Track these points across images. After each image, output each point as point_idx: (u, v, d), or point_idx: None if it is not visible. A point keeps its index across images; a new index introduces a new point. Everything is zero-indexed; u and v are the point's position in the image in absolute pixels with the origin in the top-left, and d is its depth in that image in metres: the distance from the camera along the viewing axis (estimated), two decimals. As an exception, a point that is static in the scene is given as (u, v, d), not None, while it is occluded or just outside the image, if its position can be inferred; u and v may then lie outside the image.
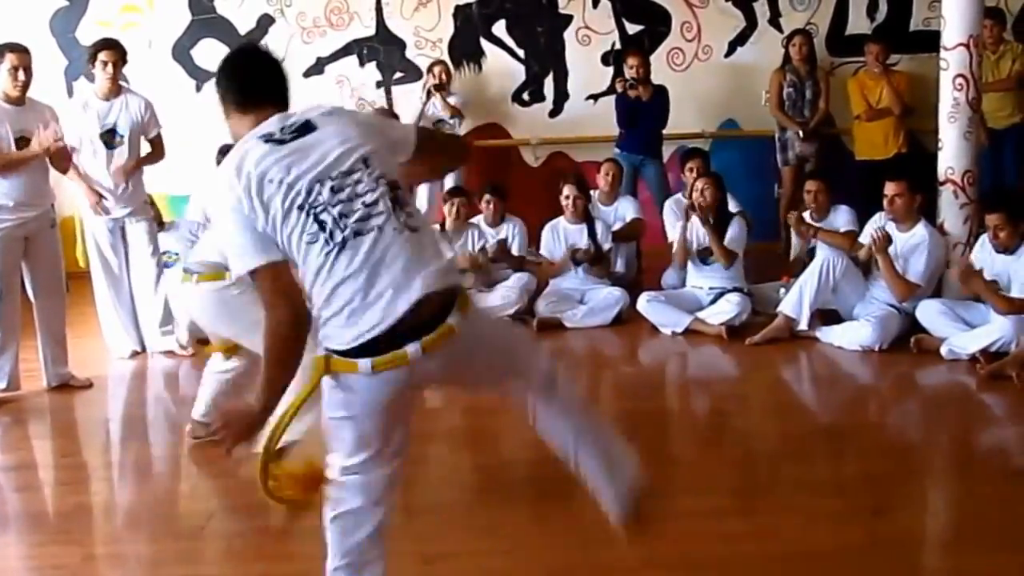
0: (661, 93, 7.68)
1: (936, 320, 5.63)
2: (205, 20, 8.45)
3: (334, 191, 2.39)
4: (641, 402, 5.20)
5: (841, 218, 6.35)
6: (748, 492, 4.01)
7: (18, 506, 4.23)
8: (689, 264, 6.51)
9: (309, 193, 2.38)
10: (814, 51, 7.98)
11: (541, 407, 2.72)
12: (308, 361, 2.46)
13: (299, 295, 2.41)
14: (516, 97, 8.58)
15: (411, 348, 2.37)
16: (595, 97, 8.50)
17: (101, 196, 5.88)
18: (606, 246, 6.73)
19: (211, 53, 8.43)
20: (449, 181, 7.27)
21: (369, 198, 2.40)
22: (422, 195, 7.67)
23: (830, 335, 5.83)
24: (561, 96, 8.57)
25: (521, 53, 8.55)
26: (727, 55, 8.50)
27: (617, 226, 7.06)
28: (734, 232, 6.35)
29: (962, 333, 5.46)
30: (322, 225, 2.37)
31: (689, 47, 8.48)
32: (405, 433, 2.59)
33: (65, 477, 4.57)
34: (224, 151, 6.61)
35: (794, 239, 6.68)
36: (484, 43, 8.52)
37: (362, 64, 8.53)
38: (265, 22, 8.45)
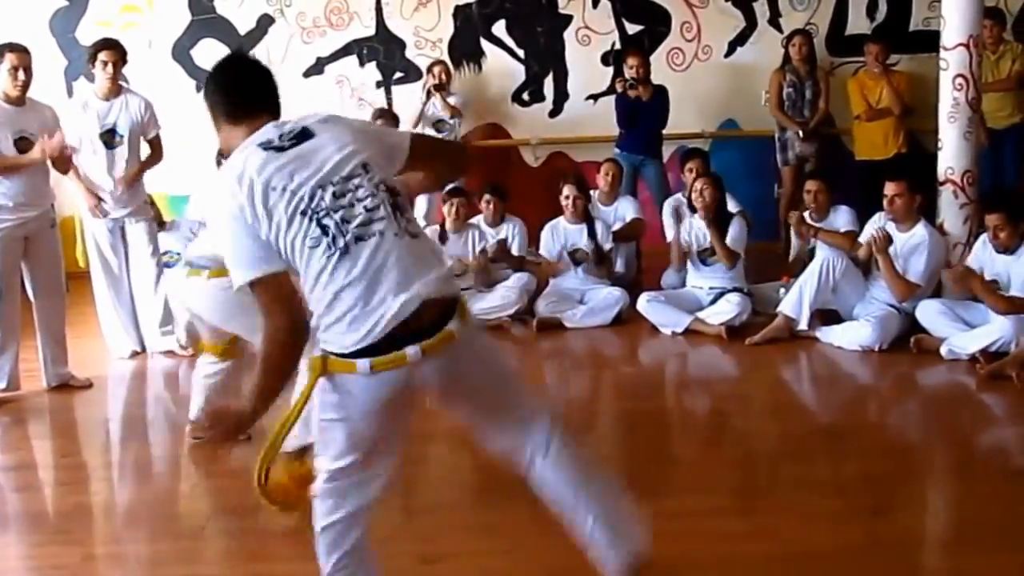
0: (661, 93, 7.68)
1: (936, 320, 5.64)
2: (205, 20, 8.45)
3: (336, 196, 2.39)
4: (641, 402, 5.20)
5: (841, 218, 6.35)
6: (748, 492, 4.01)
7: (18, 506, 4.23)
8: (689, 264, 6.51)
9: (312, 199, 2.37)
10: (814, 51, 7.98)
11: (540, 458, 2.64)
12: (307, 364, 2.47)
13: (298, 304, 2.40)
14: (516, 97, 8.58)
15: (411, 350, 2.38)
16: (595, 97, 8.51)
17: (100, 199, 5.89)
18: (606, 246, 6.74)
19: (211, 53, 8.43)
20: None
21: (370, 203, 2.41)
22: (422, 195, 7.67)
23: (830, 335, 5.83)
24: (561, 96, 8.57)
25: (521, 53, 8.55)
26: (727, 55, 8.50)
27: (617, 226, 7.06)
28: (734, 232, 6.35)
29: (962, 333, 5.46)
30: (325, 230, 2.37)
31: (689, 47, 8.49)
32: (396, 442, 2.58)
33: (65, 477, 4.57)
34: (224, 152, 6.64)
35: (794, 239, 6.68)
36: (484, 43, 8.52)
37: (362, 64, 8.53)
38: (265, 22, 8.46)
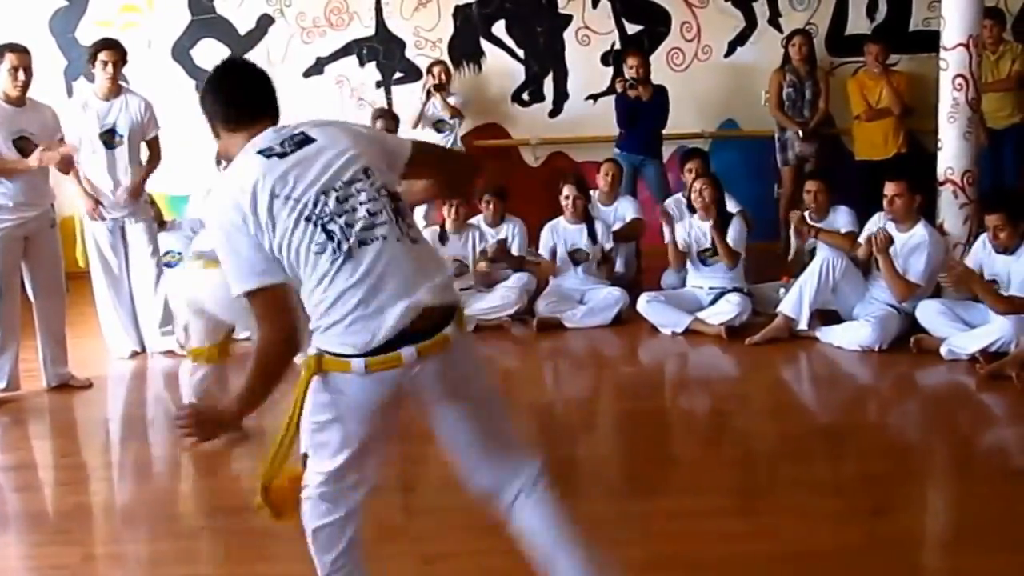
0: (661, 93, 7.68)
1: (935, 320, 5.64)
2: (205, 20, 8.45)
3: (339, 201, 2.38)
4: (641, 402, 5.21)
5: (841, 219, 6.34)
6: (748, 492, 4.02)
7: (18, 506, 4.23)
8: (689, 264, 6.51)
9: (316, 205, 2.37)
10: (814, 51, 7.98)
11: (525, 496, 2.60)
12: (302, 363, 2.48)
13: (292, 315, 2.42)
14: (516, 97, 8.58)
15: (407, 351, 2.39)
16: (595, 97, 8.51)
17: (98, 202, 5.88)
18: (606, 246, 6.74)
19: (211, 53, 8.44)
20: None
21: (372, 207, 2.41)
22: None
23: (830, 335, 5.83)
24: (561, 96, 8.57)
25: (521, 53, 8.55)
26: (727, 55, 8.50)
27: (617, 226, 7.06)
28: (734, 232, 6.35)
29: (962, 333, 5.46)
30: (330, 235, 2.37)
31: (689, 47, 8.49)
32: (384, 442, 2.59)
33: (65, 477, 4.57)
34: (222, 158, 6.64)
35: (793, 239, 6.67)
36: (484, 43, 8.52)
37: (362, 64, 8.53)
38: (265, 22, 8.46)
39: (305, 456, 3.05)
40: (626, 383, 5.66)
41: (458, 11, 8.47)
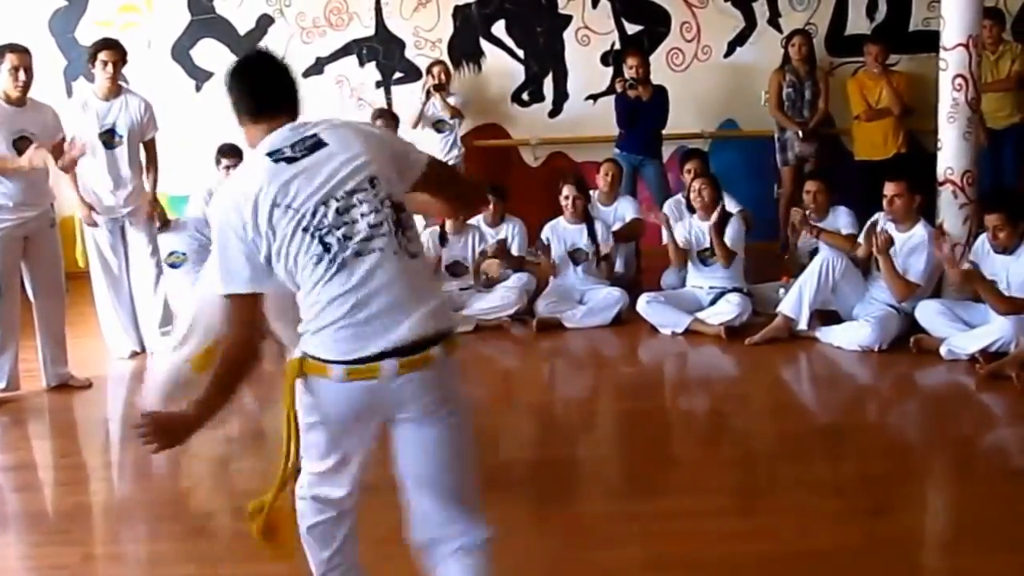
0: (660, 93, 7.68)
1: (935, 320, 5.64)
2: (204, 20, 8.45)
3: (339, 212, 2.37)
4: (641, 402, 5.21)
5: (842, 220, 6.34)
6: (747, 492, 4.02)
7: (18, 506, 4.24)
8: (689, 264, 6.51)
9: (314, 215, 2.36)
10: (813, 51, 7.97)
11: (464, 555, 2.54)
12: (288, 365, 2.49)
13: (261, 324, 2.46)
14: (516, 97, 8.58)
15: (388, 363, 2.37)
16: (595, 97, 8.51)
17: (92, 208, 5.88)
18: (605, 247, 6.74)
19: (210, 53, 8.45)
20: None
21: (373, 219, 2.38)
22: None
23: (829, 335, 5.83)
24: (561, 96, 8.57)
25: (521, 53, 8.55)
26: (726, 55, 8.49)
27: (617, 226, 7.06)
28: (732, 232, 6.35)
29: (961, 333, 5.46)
30: (327, 247, 2.36)
31: (688, 47, 8.48)
32: (365, 455, 2.58)
33: (64, 477, 4.57)
34: (223, 151, 6.66)
35: (791, 236, 6.65)
36: (484, 43, 8.52)
37: (362, 64, 8.53)
38: (264, 22, 8.45)
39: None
40: (626, 383, 5.66)
41: (458, 11, 8.47)
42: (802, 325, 5.88)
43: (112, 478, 4.62)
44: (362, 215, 2.38)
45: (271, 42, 8.39)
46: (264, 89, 2.53)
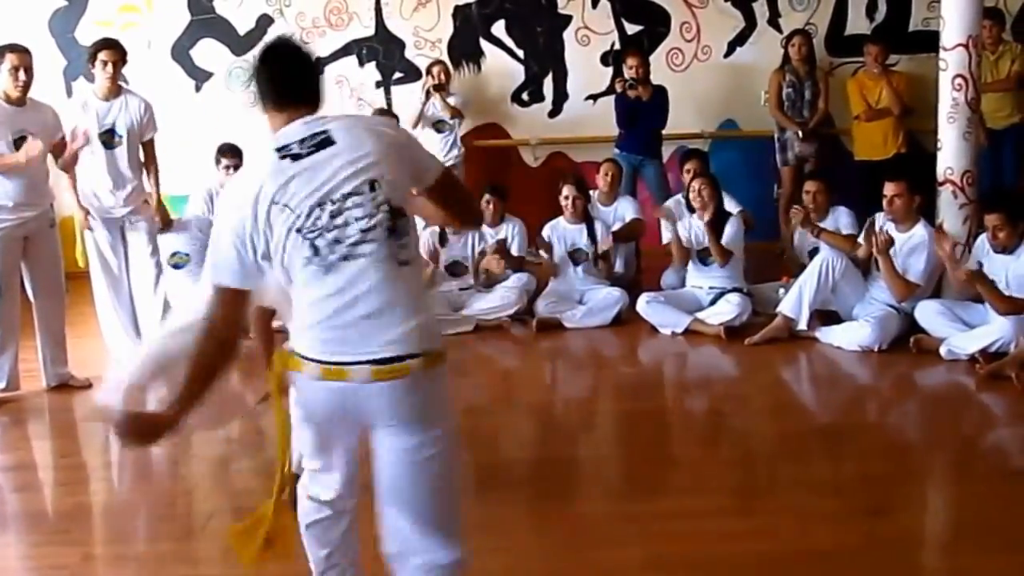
0: (660, 93, 7.68)
1: (934, 320, 5.64)
2: (204, 20, 8.45)
3: (332, 216, 2.35)
4: (641, 402, 5.21)
5: (842, 220, 6.34)
6: (747, 492, 4.02)
7: (17, 506, 4.24)
8: (689, 264, 6.51)
9: (308, 217, 2.35)
10: (813, 51, 7.97)
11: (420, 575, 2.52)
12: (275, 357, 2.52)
13: (242, 320, 2.47)
14: (515, 97, 8.58)
15: (360, 369, 2.36)
16: (594, 97, 8.50)
17: (88, 212, 5.89)
18: (604, 247, 6.74)
19: (210, 53, 8.45)
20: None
21: (365, 224, 2.36)
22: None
23: (829, 335, 5.83)
24: (560, 96, 8.57)
25: (520, 53, 8.55)
26: (726, 55, 8.49)
27: (616, 226, 7.06)
28: (731, 231, 6.35)
29: (961, 333, 5.46)
30: (316, 250, 2.35)
31: (688, 47, 8.48)
32: (349, 460, 2.57)
33: (64, 477, 4.57)
34: (223, 151, 6.66)
35: (797, 233, 6.64)
36: (483, 43, 8.52)
37: (361, 64, 8.53)
38: (264, 22, 8.45)
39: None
40: (626, 383, 5.66)
41: (458, 11, 8.47)
42: (802, 325, 5.88)
43: (112, 478, 4.62)
44: (356, 219, 2.35)
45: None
46: (287, 78, 2.51)
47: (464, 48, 8.50)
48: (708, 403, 5.31)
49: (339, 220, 2.35)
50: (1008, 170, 7.66)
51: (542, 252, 6.81)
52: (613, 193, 7.29)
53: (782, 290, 6.18)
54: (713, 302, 6.25)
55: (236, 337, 2.45)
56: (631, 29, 8.48)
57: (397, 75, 8.53)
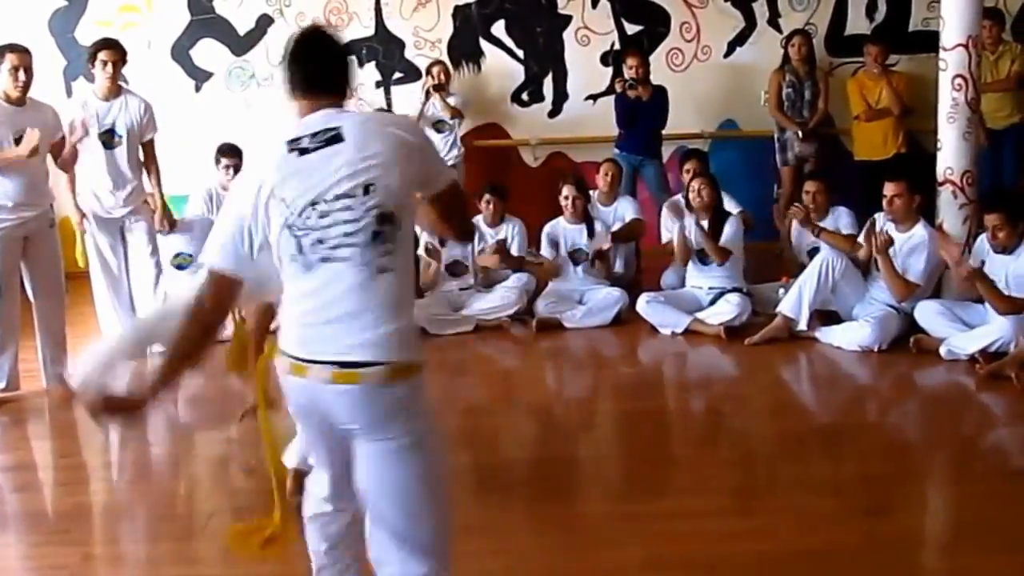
0: (660, 93, 7.68)
1: (934, 320, 5.64)
2: (204, 20, 8.45)
3: (321, 216, 2.35)
4: (641, 402, 5.21)
5: (842, 220, 6.34)
6: (747, 492, 4.02)
7: (17, 506, 4.24)
8: (689, 264, 6.51)
9: (300, 214, 2.36)
10: (813, 51, 7.97)
11: None
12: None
13: (229, 307, 2.50)
14: (515, 97, 8.58)
15: (319, 368, 2.36)
16: (594, 97, 8.51)
17: (84, 216, 5.88)
18: (604, 246, 6.74)
19: (210, 53, 8.45)
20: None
21: (350, 228, 2.35)
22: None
23: (829, 335, 5.83)
24: (560, 96, 8.57)
25: (520, 53, 8.55)
26: (726, 55, 8.50)
27: (616, 226, 7.06)
28: (730, 231, 6.35)
29: (961, 333, 5.46)
30: (300, 248, 2.36)
31: (688, 47, 8.48)
32: (337, 464, 2.55)
33: (64, 477, 4.57)
34: (223, 151, 6.66)
35: (795, 231, 6.63)
36: (483, 43, 8.52)
37: (361, 64, 8.51)
38: (264, 22, 8.45)
39: (298, 471, 3.12)
40: (626, 383, 5.66)
41: (457, 11, 8.47)
42: (802, 325, 5.88)
43: (112, 478, 4.62)
44: (342, 221, 2.34)
45: (271, 42, 8.40)
46: (314, 68, 2.50)
47: (464, 48, 8.50)
48: (708, 403, 5.30)
49: (326, 221, 2.35)
50: (1008, 170, 7.66)
51: (542, 252, 6.80)
52: (613, 193, 7.29)
53: (782, 290, 6.18)
54: (713, 302, 6.25)
55: (219, 324, 2.47)
56: (631, 29, 8.48)
57: (397, 75, 8.53)
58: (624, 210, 7.23)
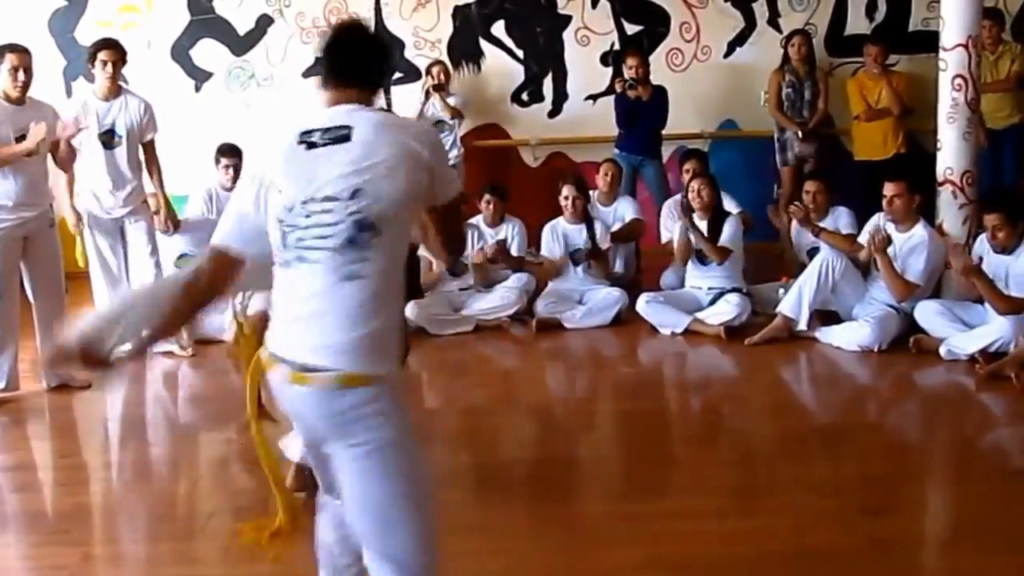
0: (660, 93, 7.68)
1: (934, 320, 5.64)
2: (204, 20, 8.45)
3: (307, 215, 2.35)
4: (641, 402, 5.21)
5: (842, 220, 6.35)
6: (747, 492, 4.02)
7: (17, 506, 4.23)
8: (689, 264, 6.51)
9: (290, 211, 2.36)
10: (813, 51, 7.97)
11: None
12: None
13: (215, 297, 2.50)
14: (515, 97, 8.58)
15: (283, 367, 2.37)
16: (594, 97, 8.51)
17: (79, 218, 5.89)
18: (604, 246, 6.74)
19: (210, 53, 8.45)
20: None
21: (328, 231, 2.32)
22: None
23: (829, 335, 5.83)
24: (560, 96, 8.57)
25: (520, 53, 8.55)
26: (726, 55, 8.50)
27: (616, 226, 7.06)
28: (729, 231, 6.35)
29: (961, 333, 5.46)
30: (284, 243, 2.37)
31: (688, 47, 8.49)
32: (326, 469, 2.52)
33: (64, 477, 4.57)
34: (223, 151, 6.66)
35: (794, 230, 6.63)
36: (483, 43, 8.52)
37: (361, 64, 8.51)
38: (264, 22, 8.45)
39: (299, 467, 3.11)
40: (625, 383, 5.66)
41: (457, 11, 8.47)
42: (802, 325, 5.88)
43: (112, 478, 4.62)
44: (324, 224, 2.32)
45: (271, 42, 8.40)
46: (345, 63, 2.49)
47: (464, 48, 8.50)
48: (708, 403, 5.30)
49: (309, 221, 2.34)
50: (1008, 170, 7.66)
51: (545, 252, 6.80)
52: (613, 193, 7.29)
53: (782, 290, 6.18)
54: (713, 302, 6.25)
55: (208, 303, 2.48)
56: (631, 29, 8.48)
57: (397, 75, 8.52)
58: (624, 210, 7.23)
